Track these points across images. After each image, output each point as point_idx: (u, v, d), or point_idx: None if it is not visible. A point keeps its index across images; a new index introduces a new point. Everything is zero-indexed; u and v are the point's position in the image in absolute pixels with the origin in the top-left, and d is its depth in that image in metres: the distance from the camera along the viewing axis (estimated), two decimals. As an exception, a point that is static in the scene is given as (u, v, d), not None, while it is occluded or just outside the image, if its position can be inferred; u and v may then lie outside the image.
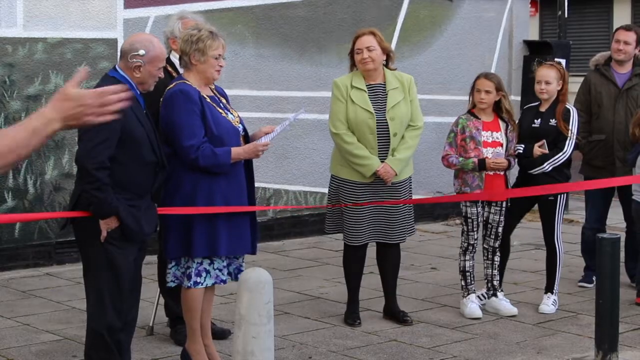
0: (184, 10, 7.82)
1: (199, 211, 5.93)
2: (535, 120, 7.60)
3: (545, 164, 7.48)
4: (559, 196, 7.58)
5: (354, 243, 7.27)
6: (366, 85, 7.19)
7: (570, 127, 7.51)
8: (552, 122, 7.52)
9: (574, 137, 7.54)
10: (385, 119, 7.14)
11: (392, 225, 7.25)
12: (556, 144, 7.50)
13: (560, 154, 7.50)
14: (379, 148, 7.13)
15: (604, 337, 6.20)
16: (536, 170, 7.50)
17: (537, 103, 7.76)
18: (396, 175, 7.15)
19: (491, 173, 7.40)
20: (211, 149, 5.91)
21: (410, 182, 7.38)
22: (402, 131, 7.20)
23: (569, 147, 7.51)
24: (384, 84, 7.22)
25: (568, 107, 7.60)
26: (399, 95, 7.20)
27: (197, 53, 6.01)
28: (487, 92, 7.42)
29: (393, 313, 7.40)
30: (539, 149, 7.46)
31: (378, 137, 7.12)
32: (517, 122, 7.65)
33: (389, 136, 7.15)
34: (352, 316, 7.32)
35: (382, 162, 7.10)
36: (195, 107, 5.94)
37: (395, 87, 7.21)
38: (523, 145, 7.53)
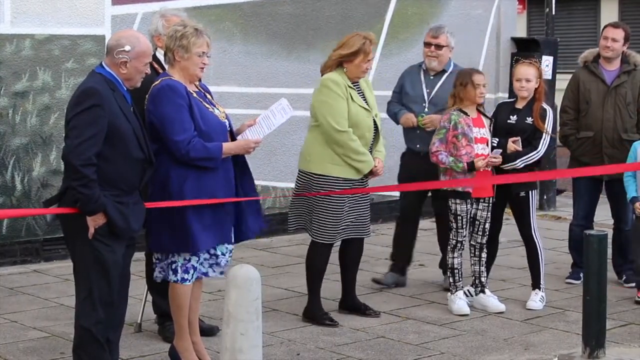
0: (166, 7, 7.82)
1: (183, 204, 5.91)
2: (511, 117, 7.63)
3: (518, 160, 7.49)
4: (530, 192, 7.61)
5: (329, 241, 7.25)
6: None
7: (545, 126, 7.53)
8: (529, 120, 7.55)
9: (549, 136, 7.57)
10: (373, 116, 7.25)
11: (364, 219, 7.30)
12: (530, 142, 7.53)
13: (534, 152, 7.51)
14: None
15: (591, 333, 6.23)
16: (508, 166, 7.51)
17: (512, 99, 7.81)
18: None
19: (481, 170, 7.42)
20: (202, 143, 5.91)
21: None
22: None
23: (542, 147, 7.53)
24: (358, 83, 7.30)
25: (544, 106, 7.63)
26: (370, 93, 7.33)
27: (180, 49, 5.99)
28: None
29: (355, 307, 7.42)
30: (513, 144, 7.49)
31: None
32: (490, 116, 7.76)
33: (377, 132, 7.27)
34: (327, 316, 7.26)
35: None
36: (183, 101, 5.93)
37: (364, 86, 7.33)
38: (497, 140, 7.56)
